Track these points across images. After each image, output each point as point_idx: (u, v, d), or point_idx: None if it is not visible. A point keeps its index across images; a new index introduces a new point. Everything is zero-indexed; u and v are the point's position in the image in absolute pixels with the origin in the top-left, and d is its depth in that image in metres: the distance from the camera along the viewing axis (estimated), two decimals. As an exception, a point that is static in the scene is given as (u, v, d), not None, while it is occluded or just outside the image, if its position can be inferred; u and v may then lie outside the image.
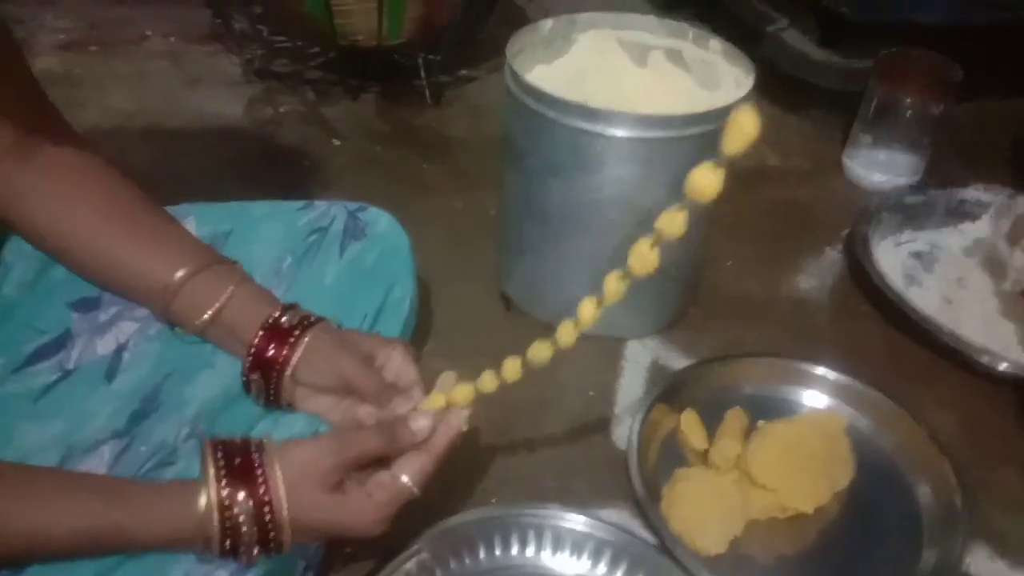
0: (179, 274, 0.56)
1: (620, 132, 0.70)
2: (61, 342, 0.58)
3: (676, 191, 0.74)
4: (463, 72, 1.31)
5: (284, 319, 0.56)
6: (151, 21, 1.41)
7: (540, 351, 0.50)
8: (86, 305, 0.60)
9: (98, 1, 1.45)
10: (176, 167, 1.03)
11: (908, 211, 1.00)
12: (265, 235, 0.65)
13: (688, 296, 0.89)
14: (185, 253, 0.57)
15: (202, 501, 0.45)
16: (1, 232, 0.60)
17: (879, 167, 1.10)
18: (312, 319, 0.57)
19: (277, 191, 1.02)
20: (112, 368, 0.58)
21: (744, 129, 0.36)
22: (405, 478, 0.50)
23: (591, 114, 0.70)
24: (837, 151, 1.16)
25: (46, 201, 0.56)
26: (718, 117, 0.71)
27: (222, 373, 0.58)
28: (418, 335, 0.73)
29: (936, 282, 0.92)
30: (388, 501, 0.50)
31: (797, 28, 1.23)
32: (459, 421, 0.53)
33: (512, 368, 0.51)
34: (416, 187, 1.05)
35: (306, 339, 0.55)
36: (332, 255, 0.66)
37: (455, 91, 1.28)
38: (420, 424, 0.52)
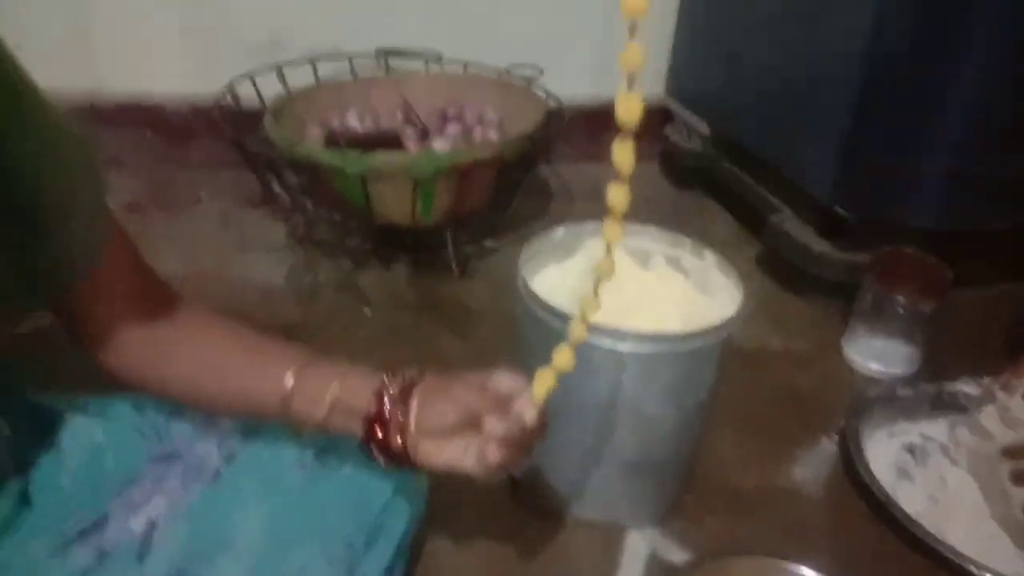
0: (288, 380, 0.61)
1: (619, 346, 0.77)
2: (99, 524, 0.63)
3: (671, 398, 0.81)
4: (488, 242, 1.42)
5: (394, 382, 0.61)
6: (208, 184, 1.55)
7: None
8: (126, 484, 0.67)
9: (161, 162, 1.60)
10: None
11: (901, 403, 1.05)
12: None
13: (685, 485, 0.93)
14: (286, 359, 0.63)
15: None
16: (56, 418, 0.68)
17: (876, 357, 1.16)
18: (417, 373, 0.62)
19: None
20: (144, 548, 0.63)
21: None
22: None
23: (593, 330, 0.77)
24: (838, 335, 1.22)
25: (175, 359, 0.63)
26: (709, 334, 0.78)
27: (239, 556, 0.63)
28: (427, 517, 0.79)
29: (925, 478, 0.96)
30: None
31: (798, 218, 1.32)
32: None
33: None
34: (436, 360, 1.13)
35: (417, 390, 0.60)
36: (351, 446, 0.72)
37: (480, 261, 1.38)
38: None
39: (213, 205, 1.51)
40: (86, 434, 0.68)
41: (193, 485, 0.67)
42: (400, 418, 0.60)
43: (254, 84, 1.41)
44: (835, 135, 1.19)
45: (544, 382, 0.59)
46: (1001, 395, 0.96)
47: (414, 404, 0.60)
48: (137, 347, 0.62)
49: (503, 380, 0.62)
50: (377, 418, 0.60)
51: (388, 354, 1.14)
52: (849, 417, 1.02)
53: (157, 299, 0.64)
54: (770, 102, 1.37)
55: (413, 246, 1.36)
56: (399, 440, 0.60)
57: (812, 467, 1.00)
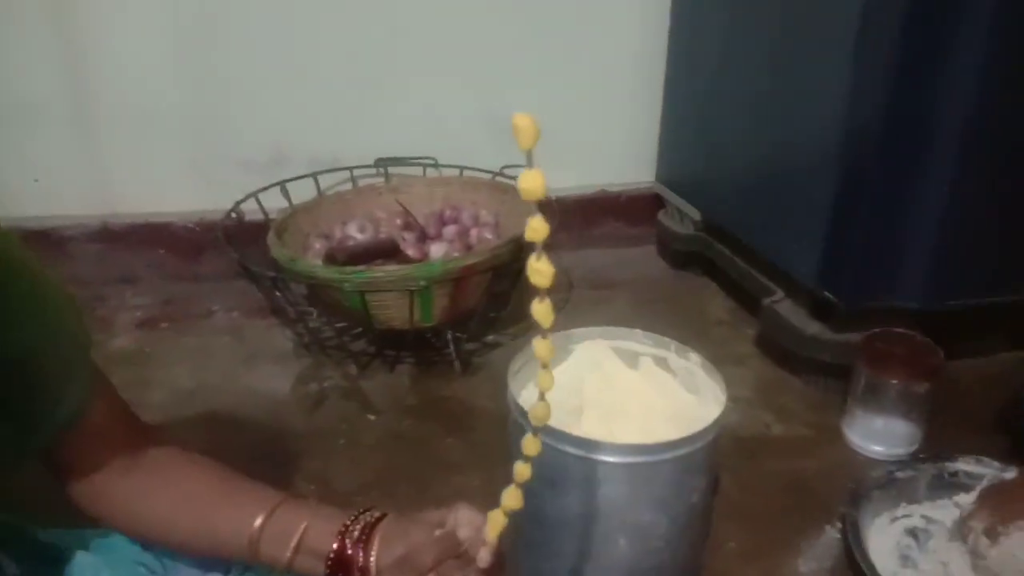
0: (257, 522, 0.63)
1: (606, 458, 0.79)
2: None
3: (661, 506, 0.83)
4: (490, 338, 1.45)
5: (356, 524, 0.63)
6: (218, 296, 1.60)
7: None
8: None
9: (172, 277, 1.67)
10: (225, 451, 1.15)
11: (900, 486, 1.05)
12: None
13: (688, 584, 0.94)
14: (258, 501, 0.65)
15: None
16: (61, 555, 0.71)
17: (876, 438, 1.16)
18: (379, 515, 0.64)
19: (309, 476, 1.13)
20: None
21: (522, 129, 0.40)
22: None
23: (579, 443, 0.80)
24: (838, 417, 1.23)
25: (150, 502, 0.66)
26: (694, 441, 0.80)
27: None
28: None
29: (930, 562, 0.96)
30: None
31: (791, 300, 1.35)
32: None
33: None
34: (438, 464, 1.15)
35: (378, 532, 0.62)
36: None
37: (482, 357, 1.41)
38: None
39: (225, 316, 1.56)
40: (93, 573, 0.71)
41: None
42: (360, 560, 0.61)
43: (258, 201, 1.47)
44: (817, 223, 1.22)
45: (496, 523, 0.61)
46: (981, 541, 0.91)
47: (375, 546, 0.62)
48: (114, 491, 0.65)
49: (462, 517, 0.64)
50: (338, 560, 0.62)
51: (391, 460, 1.16)
52: (848, 504, 1.02)
53: (137, 443, 0.67)
54: (753, 190, 1.41)
55: (416, 346, 1.39)
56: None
57: (816, 559, 1.00)
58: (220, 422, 1.25)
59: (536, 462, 0.81)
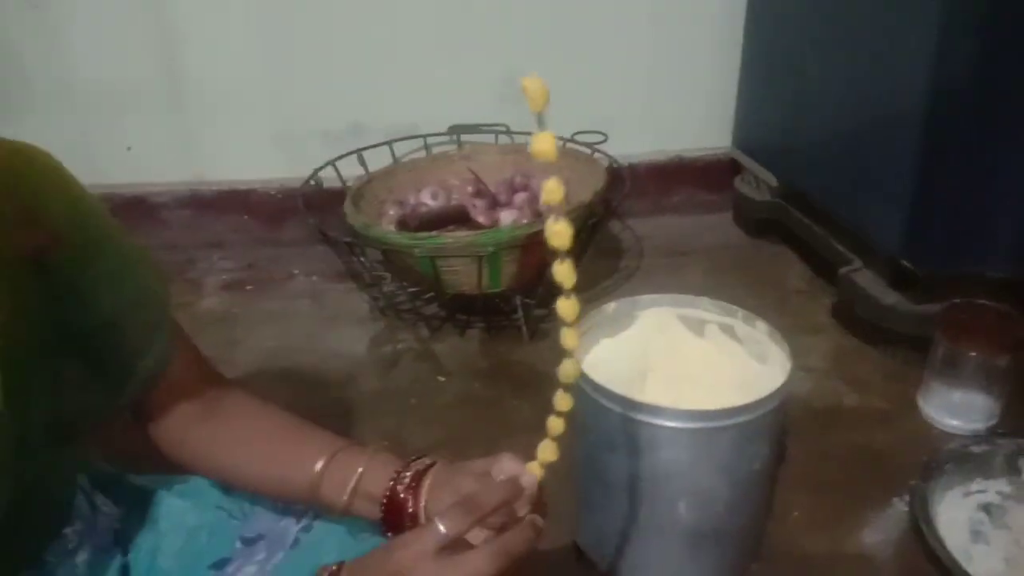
0: (317, 466, 0.67)
1: (669, 423, 0.80)
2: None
3: (722, 472, 0.83)
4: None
5: (407, 471, 0.65)
6: (298, 260, 1.66)
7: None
8: (219, 564, 0.74)
9: (255, 242, 1.74)
10: (307, 408, 1.20)
11: (975, 460, 1.02)
12: None
13: (750, 552, 0.94)
14: (320, 446, 0.68)
15: None
16: (152, 499, 0.76)
17: (953, 411, 1.13)
18: (430, 462, 0.66)
19: (383, 434, 1.17)
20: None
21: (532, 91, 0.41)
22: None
23: (640, 408, 0.81)
24: (915, 389, 1.20)
25: (225, 447, 0.71)
26: (757, 408, 0.80)
27: None
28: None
29: (1003, 539, 0.94)
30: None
31: (869, 269, 1.31)
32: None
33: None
34: (506, 425, 1.18)
35: (427, 479, 0.65)
36: None
37: (549, 324, 1.42)
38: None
39: (305, 280, 1.62)
40: (180, 516, 0.76)
41: (277, 552, 0.74)
42: (410, 507, 0.64)
43: (336, 169, 1.51)
44: (901, 188, 1.18)
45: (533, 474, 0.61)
46: None
47: (423, 492, 0.64)
48: (193, 438, 0.70)
49: (505, 467, 0.64)
50: (391, 505, 0.64)
51: (461, 420, 1.20)
52: (920, 477, 1.00)
53: (213, 393, 0.71)
54: (834, 155, 1.38)
55: (485, 311, 1.42)
56: (410, 526, 0.64)
57: (883, 531, 0.99)
58: (300, 381, 1.30)
59: (597, 426, 0.82)
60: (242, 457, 0.71)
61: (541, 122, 0.42)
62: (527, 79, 0.40)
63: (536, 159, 0.43)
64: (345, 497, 0.66)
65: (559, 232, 0.47)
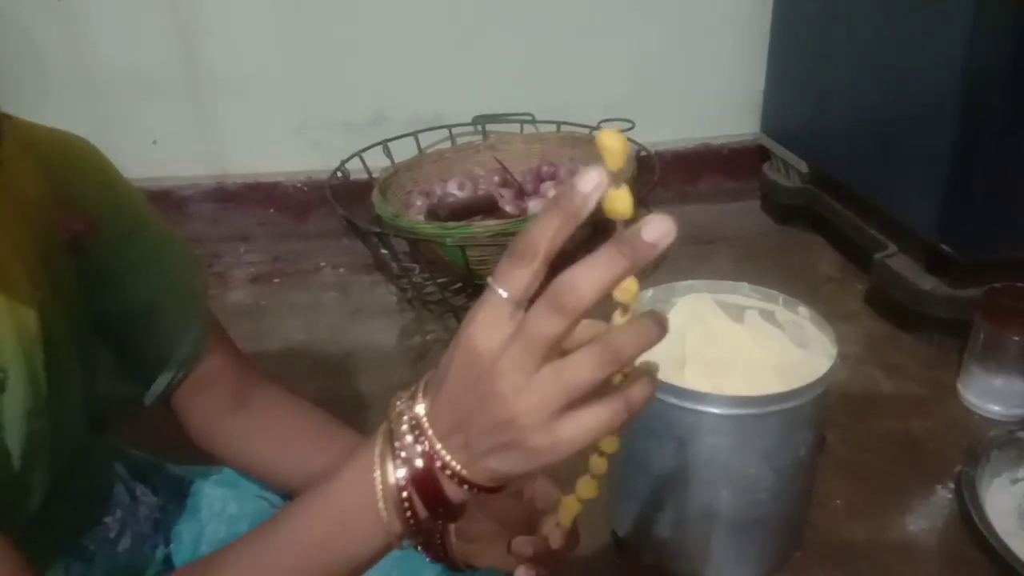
0: None
1: (714, 409, 0.79)
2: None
3: (766, 459, 0.82)
4: (588, 294, 1.45)
5: None
6: (325, 252, 1.66)
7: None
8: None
9: (282, 235, 1.73)
10: (335, 402, 1.20)
11: (1022, 446, 1.01)
12: None
13: (793, 540, 0.93)
14: (346, 449, 0.67)
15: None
16: (192, 488, 0.76)
17: (994, 397, 1.11)
18: None
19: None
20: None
21: (611, 149, 0.35)
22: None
23: (685, 394, 0.80)
24: (953, 375, 1.18)
25: (251, 442, 0.69)
26: (802, 394, 0.79)
27: None
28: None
29: (1053, 528, 0.92)
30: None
31: (905, 254, 1.29)
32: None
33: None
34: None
35: None
36: None
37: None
38: None
39: (332, 272, 1.61)
40: (221, 505, 0.76)
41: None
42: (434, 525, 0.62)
43: (362, 161, 1.51)
44: (936, 171, 1.16)
45: (570, 509, 0.58)
46: None
47: None
48: (223, 430, 0.69)
49: (539, 490, 0.61)
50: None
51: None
52: (965, 464, 0.98)
53: (244, 386, 0.70)
54: (866, 139, 1.35)
55: (515, 302, 1.41)
56: (439, 539, 0.61)
57: (927, 518, 0.97)
58: (329, 372, 1.30)
59: (641, 412, 0.80)
60: (269, 454, 0.70)
61: (617, 180, 0.37)
62: (605, 134, 0.35)
63: (609, 217, 0.38)
64: None
65: (621, 196, 0.39)
